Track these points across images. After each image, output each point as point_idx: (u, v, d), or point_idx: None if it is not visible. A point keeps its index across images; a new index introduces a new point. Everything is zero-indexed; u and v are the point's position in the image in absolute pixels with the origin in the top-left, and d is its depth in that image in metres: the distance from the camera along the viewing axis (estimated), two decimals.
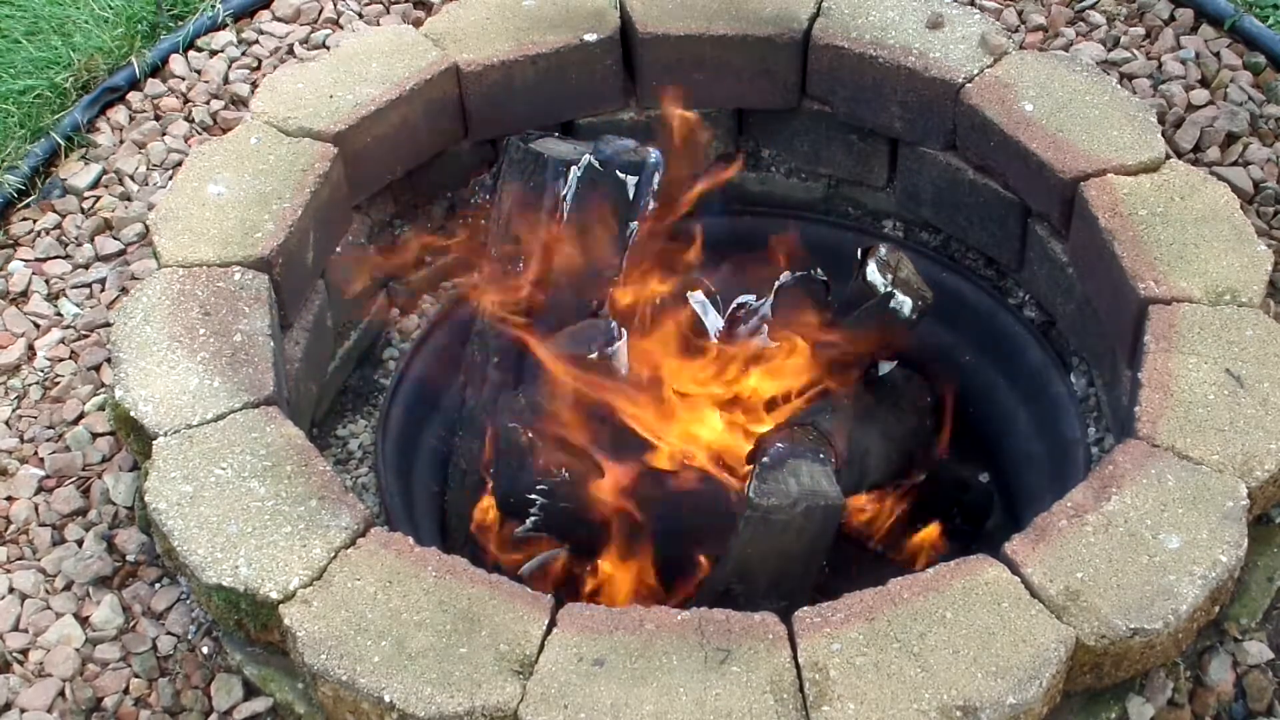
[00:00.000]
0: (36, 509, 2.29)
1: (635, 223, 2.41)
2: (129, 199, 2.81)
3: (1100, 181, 2.39)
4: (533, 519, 2.41)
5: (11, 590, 2.17)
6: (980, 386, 2.73)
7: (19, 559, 2.22)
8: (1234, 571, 1.92)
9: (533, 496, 2.39)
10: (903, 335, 2.44)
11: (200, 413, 2.11)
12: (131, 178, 2.85)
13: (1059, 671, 1.80)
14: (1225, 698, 1.97)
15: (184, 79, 3.04)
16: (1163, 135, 2.51)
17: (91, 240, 2.74)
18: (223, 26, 3.15)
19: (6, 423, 2.43)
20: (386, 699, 1.77)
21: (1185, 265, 2.26)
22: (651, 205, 2.42)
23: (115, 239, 2.74)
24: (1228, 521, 1.93)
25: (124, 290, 2.63)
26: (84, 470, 2.34)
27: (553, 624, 1.86)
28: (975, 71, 2.60)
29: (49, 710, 2.02)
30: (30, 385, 2.49)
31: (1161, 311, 2.20)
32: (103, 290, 2.66)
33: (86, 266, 2.70)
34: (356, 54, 2.70)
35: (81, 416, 2.43)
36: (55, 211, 2.80)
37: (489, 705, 1.76)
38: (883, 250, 2.41)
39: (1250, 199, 2.63)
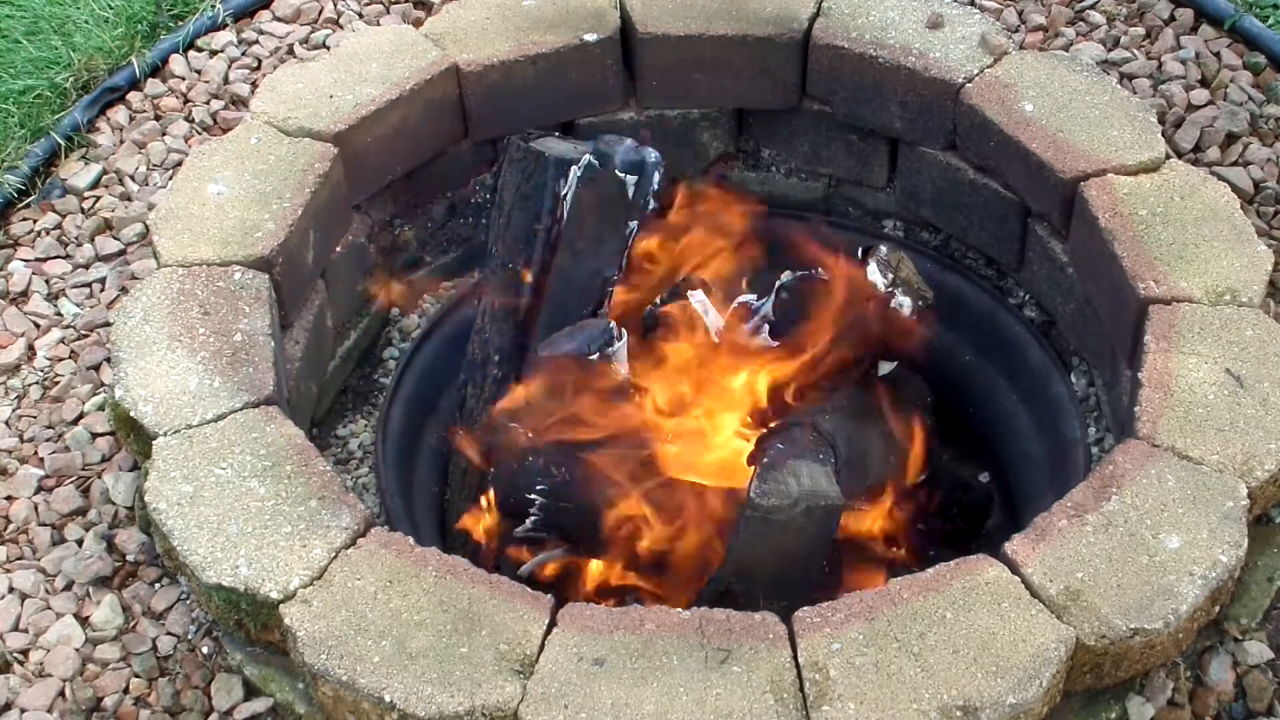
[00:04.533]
0: (36, 509, 2.29)
1: (635, 222, 2.41)
2: (129, 199, 2.81)
3: (1100, 181, 2.39)
4: (533, 519, 2.41)
5: (11, 590, 2.17)
6: (980, 386, 2.73)
7: (19, 559, 2.22)
8: (1234, 571, 1.92)
9: (533, 496, 2.39)
10: (908, 336, 2.44)
11: (200, 413, 2.11)
12: (131, 178, 2.85)
13: (1059, 671, 1.80)
14: (1225, 698, 1.97)
15: (184, 79, 3.04)
16: (1163, 135, 2.51)
17: (91, 240, 2.74)
18: (223, 26, 3.15)
19: (6, 423, 2.43)
20: (387, 699, 1.77)
21: (1185, 265, 2.26)
22: (652, 205, 2.42)
23: (115, 239, 2.74)
24: (1228, 521, 1.93)
25: (124, 290, 2.63)
26: (84, 470, 2.34)
27: (553, 624, 1.86)
28: (975, 71, 2.60)
29: (49, 710, 2.03)
30: (30, 385, 2.49)
31: (1161, 311, 2.20)
32: (103, 290, 2.66)
33: (86, 266, 2.70)
34: (356, 54, 2.70)
35: (81, 416, 2.43)
36: (55, 211, 2.80)
37: (489, 705, 1.76)
38: (883, 250, 2.41)
39: (1250, 199, 2.63)
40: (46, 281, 2.68)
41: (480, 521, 2.43)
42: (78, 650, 2.09)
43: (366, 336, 2.74)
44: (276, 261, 2.34)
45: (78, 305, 2.63)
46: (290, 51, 3.10)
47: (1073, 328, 2.58)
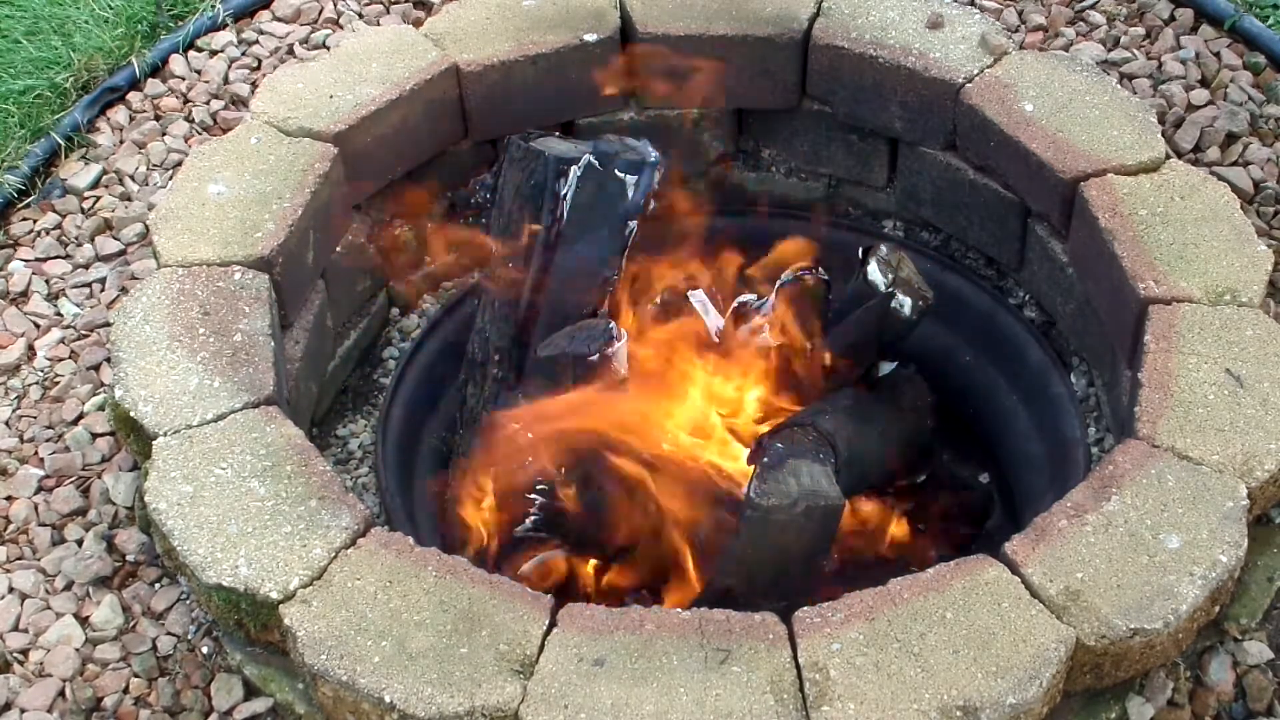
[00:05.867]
0: (36, 509, 2.29)
1: (635, 222, 2.41)
2: (129, 199, 2.81)
3: (1100, 181, 2.39)
4: (532, 519, 2.41)
5: (11, 590, 2.17)
6: (980, 386, 2.73)
7: (19, 559, 2.22)
8: (1234, 571, 1.92)
9: (533, 496, 2.39)
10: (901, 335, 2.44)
11: (200, 413, 2.11)
12: (131, 178, 2.85)
13: (1059, 671, 1.80)
14: (1225, 698, 1.97)
15: (184, 79, 3.04)
16: (1163, 135, 2.51)
17: (91, 240, 2.74)
18: (223, 26, 3.15)
19: (6, 423, 2.43)
20: (387, 699, 1.77)
21: (1185, 265, 2.26)
22: (651, 205, 2.42)
23: (115, 239, 2.74)
24: (1228, 521, 1.93)
25: (124, 290, 2.63)
26: (84, 470, 2.34)
27: (553, 624, 1.86)
28: (975, 71, 2.60)
29: (49, 710, 2.03)
30: (30, 385, 2.49)
31: (1161, 311, 2.20)
32: (103, 290, 2.66)
33: (86, 266, 2.70)
34: (356, 54, 2.71)
35: (81, 416, 2.43)
36: (55, 211, 2.80)
37: (489, 705, 1.76)
38: (884, 249, 2.41)
39: (1250, 199, 2.63)
40: (46, 281, 2.68)
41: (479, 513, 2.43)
42: (78, 650, 2.09)
43: (366, 336, 2.74)
44: (276, 261, 2.34)
45: (78, 305, 2.63)
46: (290, 51, 3.10)
47: (1073, 328, 2.58)
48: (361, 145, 2.58)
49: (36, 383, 2.50)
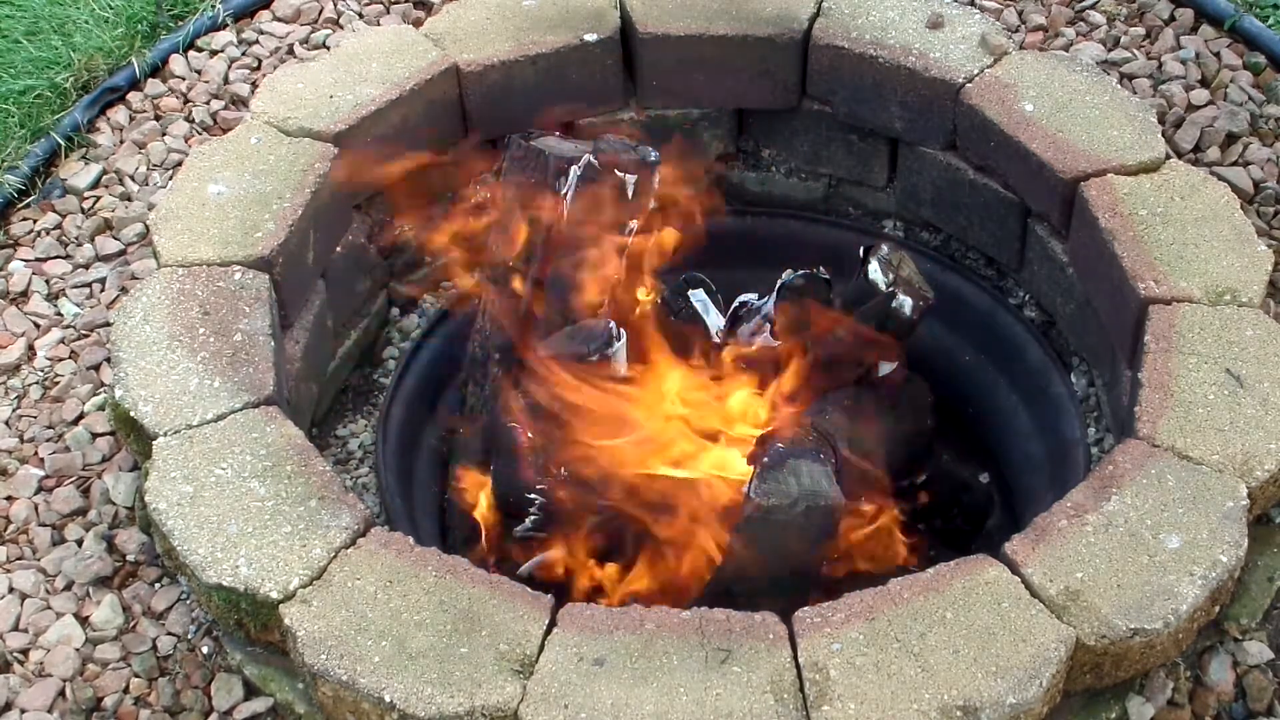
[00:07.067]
0: (36, 509, 2.29)
1: (634, 222, 2.41)
2: (129, 199, 2.81)
3: (1100, 181, 2.39)
4: (532, 519, 2.41)
5: (11, 590, 2.17)
6: (980, 386, 2.73)
7: (19, 559, 2.22)
8: (1234, 571, 1.92)
9: (532, 496, 2.39)
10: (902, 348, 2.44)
11: (200, 413, 2.11)
12: (131, 178, 2.85)
13: (1059, 671, 1.80)
14: (1225, 698, 1.97)
15: (184, 79, 3.04)
16: (1163, 135, 2.51)
17: (91, 240, 2.74)
18: (223, 26, 3.15)
19: (6, 423, 2.43)
20: (387, 699, 1.77)
21: (1185, 265, 2.26)
22: (651, 204, 2.42)
23: (115, 239, 2.74)
24: (1228, 521, 1.93)
25: (124, 290, 2.63)
26: (84, 470, 2.34)
27: (553, 624, 1.86)
28: (975, 71, 2.60)
29: (49, 710, 2.03)
30: (30, 385, 2.49)
31: (1161, 311, 2.20)
32: (103, 290, 2.66)
33: (86, 266, 2.70)
34: (356, 54, 2.71)
35: (81, 416, 2.42)
36: (55, 211, 2.80)
37: (489, 705, 1.76)
38: (884, 249, 2.41)
39: (1250, 199, 2.63)
40: (46, 281, 2.68)
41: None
42: (78, 650, 2.09)
43: (366, 336, 2.74)
44: (276, 261, 2.34)
45: (78, 305, 2.63)
46: (290, 51, 3.10)
47: (1073, 328, 2.58)
48: (361, 145, 2.58)
49: (36, 383, 2.50)
